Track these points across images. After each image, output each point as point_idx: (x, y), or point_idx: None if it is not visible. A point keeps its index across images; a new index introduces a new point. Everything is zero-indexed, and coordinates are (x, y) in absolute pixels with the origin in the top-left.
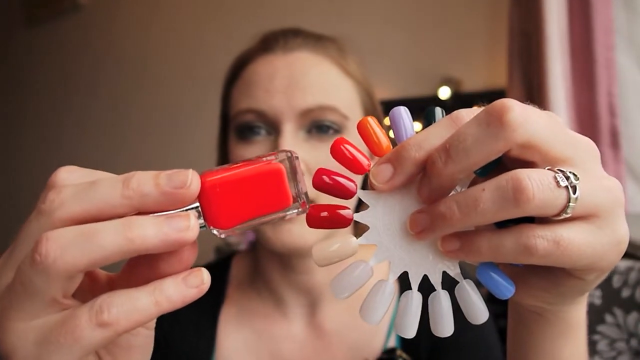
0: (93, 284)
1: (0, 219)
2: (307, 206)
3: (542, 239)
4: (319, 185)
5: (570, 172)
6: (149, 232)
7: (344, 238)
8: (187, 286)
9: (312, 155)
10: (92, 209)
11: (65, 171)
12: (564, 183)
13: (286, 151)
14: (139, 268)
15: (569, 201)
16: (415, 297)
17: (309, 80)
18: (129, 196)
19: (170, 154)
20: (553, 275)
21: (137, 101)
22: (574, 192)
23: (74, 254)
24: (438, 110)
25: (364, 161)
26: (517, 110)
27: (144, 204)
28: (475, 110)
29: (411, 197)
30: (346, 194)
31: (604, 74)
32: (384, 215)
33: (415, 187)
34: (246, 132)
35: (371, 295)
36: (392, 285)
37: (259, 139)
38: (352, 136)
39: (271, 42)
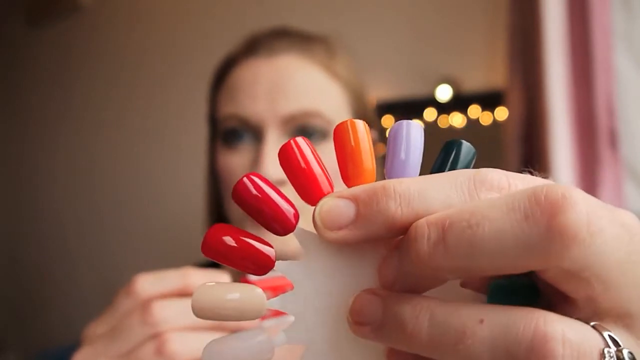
0: None
1: (1, 219)
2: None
3: None
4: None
5: (629, 353)
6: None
7: (252, 292)
8: None
9: None
10: (189, 327)
11: (142, 280)
12: None
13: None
14: None
15: None
16: None
17: (292, 85)
18: (217, 327)
19: (171, 155)
20: None
21: (138, 101)
22: None
23: (191, 350)
24: (466, 147)
25: (323, 182)
26: (581, 210)
27: (224, 330)
28: (518, 179)
29: (369, 262)
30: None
31: (603, 75)
32: (318, 294)
33: (379, 252)
34: (231, 138)
35: None
36: None
37: (243, 146)
38: None
39: (255, 45)
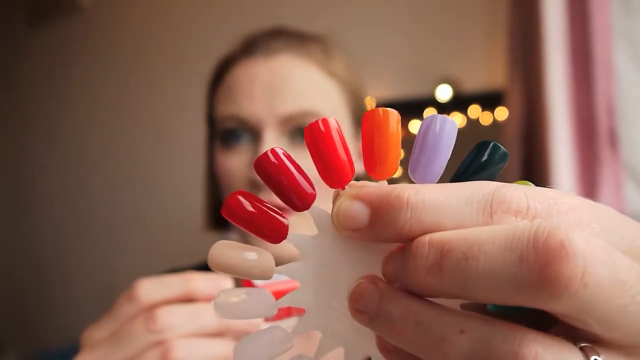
0: None
1: (1, 219)
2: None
3: None
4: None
5: None
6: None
7: (263, 253)
8: None
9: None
10: (194, 333)
11: (144, 285)
12: None
13: None
14: None
15: None
16: None
17: (290, 85)
18: (221, 330)
19: (170, 156)
20: None
21: (137, 101)
22: None
23: (196, 357)
24: (498, 150)
25: (346, 166)
26: (577, 261)
27: (224, 332)
28: (539, 201)
29: (380, 249)
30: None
31: (603, 75)
32: (324, 267)
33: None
34: (228, 138)
35: None
36: None
37: (241, 146)
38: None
39: (252, 46)
